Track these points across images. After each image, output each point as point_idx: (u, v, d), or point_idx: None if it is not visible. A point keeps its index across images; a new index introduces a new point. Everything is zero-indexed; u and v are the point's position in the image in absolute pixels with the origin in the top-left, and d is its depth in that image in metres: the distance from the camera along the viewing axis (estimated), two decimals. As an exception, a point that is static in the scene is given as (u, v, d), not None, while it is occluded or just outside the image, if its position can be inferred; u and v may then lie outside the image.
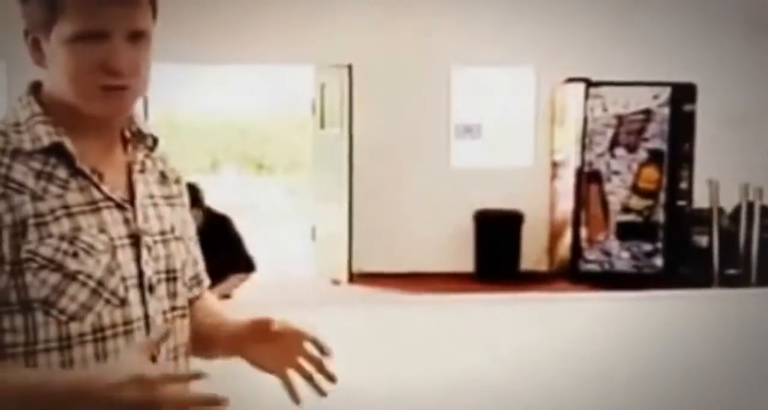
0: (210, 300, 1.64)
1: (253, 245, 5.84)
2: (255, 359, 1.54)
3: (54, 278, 1.29)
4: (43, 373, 1.28)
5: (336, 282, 8.37)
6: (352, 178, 8.52)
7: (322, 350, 1.49)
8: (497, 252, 8.40)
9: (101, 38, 1.31)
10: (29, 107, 1.37)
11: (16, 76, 8.23)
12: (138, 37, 1.34)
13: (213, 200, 5.30)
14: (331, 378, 1.50)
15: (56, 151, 1.34)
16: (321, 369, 1.50)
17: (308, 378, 1.51)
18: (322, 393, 1.51)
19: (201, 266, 1.60)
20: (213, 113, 16.29)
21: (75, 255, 1.30)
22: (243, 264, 5.02)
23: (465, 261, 8.44)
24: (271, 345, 1.52)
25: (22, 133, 1.34)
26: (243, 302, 5.12)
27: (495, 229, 8.45)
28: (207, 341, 1.54)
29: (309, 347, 1.50)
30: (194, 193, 5.02)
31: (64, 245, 1.30)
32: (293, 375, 1.53)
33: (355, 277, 8.43)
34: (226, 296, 4.84)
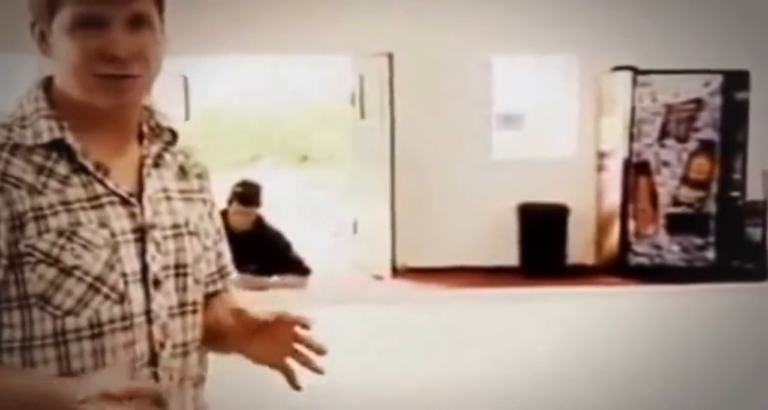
0: (235, 295, 1.62)
1: (293, 239, 5.73)
2: (254, 355, 1.51)
3: (51, 273, 1.29)
4: (16, 376, 1.29)
5: (378, 278, 8.27)
6: (394, 170, 8.40)
7: (305, 325, 1.47)
8: (543, 246, 8.26)
9: (100, 25, 1.30)
10: (35, 102, 1.37)
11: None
12: (139, 23, 1.33)
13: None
14: (319, 351, 1.47)
15: (58, 146, 1.33)
16: (309, 346, 1.48)
17: (303, 362, 1.49)
18: (319, 371, 1.48)
19: (227, 258, 1.59)
20: (254, 105, 16.31)
21: (72, 250, 1.30)
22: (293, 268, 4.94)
23: (509, 255, 8.31)
24: (263, 338, 1.48)
25: (26, 128, 1.34)
26: (284, 297, 5.04)
27: (540, 223, 8.31)
28: (214, 334, 1.52)
29: (299, 331, 1.49)
30: (255, 190, 4.99)
31: (62, 240, 1.30)
32: (293, 364, 1.51)
33: (397, 272, 8.32)
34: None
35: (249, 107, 16.19)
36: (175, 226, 1.41)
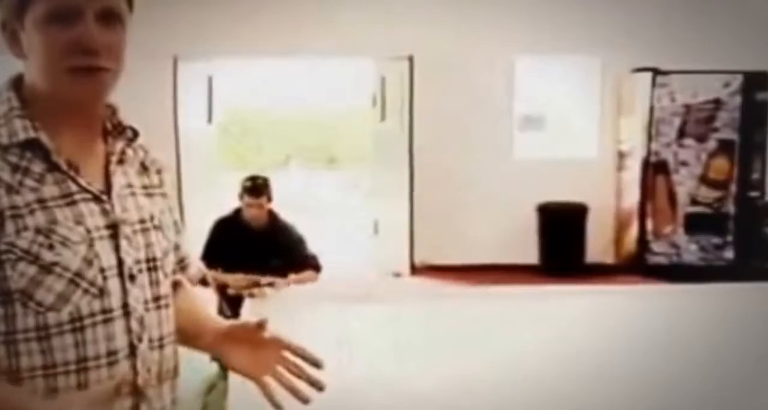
0: (192, 291, 1.67)
1: (316, 238, 5.81)
2: (234, 361, 1.57)
3: (32, 270, 1.31)
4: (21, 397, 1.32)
5: (398, 275, 8.34)
6: (413, 170, 8.47)
7: (315, 363, 1.52)
8: (562, 244, 8.29)
9: (74, 18, 1.32)
10: (8, 102, 1.38)
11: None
12: (110, 17, 1.35)
13: (279, 194, 5.30)
14: (318, 387, 1.52)
15: (32, 145, 1.35)
16: (304, 377, 1.53)
17: (286, 386, 1.53)
18: (304, 400, 1.52)
19: (184, 251, 1.61)
20: (279, 108, 16.39)
21: (51, 247, 1.31)
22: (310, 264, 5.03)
23: (529, 254, 8.35)
24: (253, 350, 1.55)
25: (0, 127, 1.35)
26: (305, 294, 5.12)
27: (560, 222, 8.34)
28: (191, 332, 1.57)
29: (290, 356, 1.54)
30: (263, 182, 5.08)
31: (40, 238, 1.31)
32: (271, 381, 1.54)
33: (417, 270, 8.39)
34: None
35: (275, 110, 16.27)
36: (142, 221, 1.44)
